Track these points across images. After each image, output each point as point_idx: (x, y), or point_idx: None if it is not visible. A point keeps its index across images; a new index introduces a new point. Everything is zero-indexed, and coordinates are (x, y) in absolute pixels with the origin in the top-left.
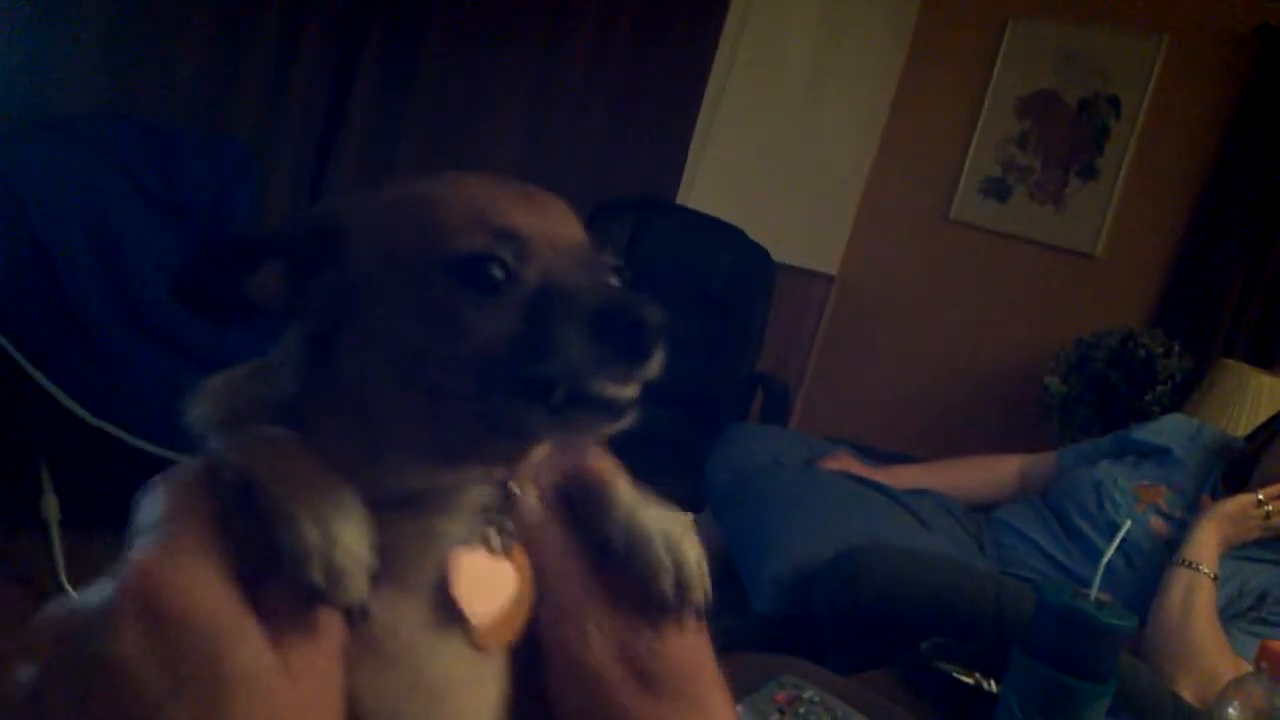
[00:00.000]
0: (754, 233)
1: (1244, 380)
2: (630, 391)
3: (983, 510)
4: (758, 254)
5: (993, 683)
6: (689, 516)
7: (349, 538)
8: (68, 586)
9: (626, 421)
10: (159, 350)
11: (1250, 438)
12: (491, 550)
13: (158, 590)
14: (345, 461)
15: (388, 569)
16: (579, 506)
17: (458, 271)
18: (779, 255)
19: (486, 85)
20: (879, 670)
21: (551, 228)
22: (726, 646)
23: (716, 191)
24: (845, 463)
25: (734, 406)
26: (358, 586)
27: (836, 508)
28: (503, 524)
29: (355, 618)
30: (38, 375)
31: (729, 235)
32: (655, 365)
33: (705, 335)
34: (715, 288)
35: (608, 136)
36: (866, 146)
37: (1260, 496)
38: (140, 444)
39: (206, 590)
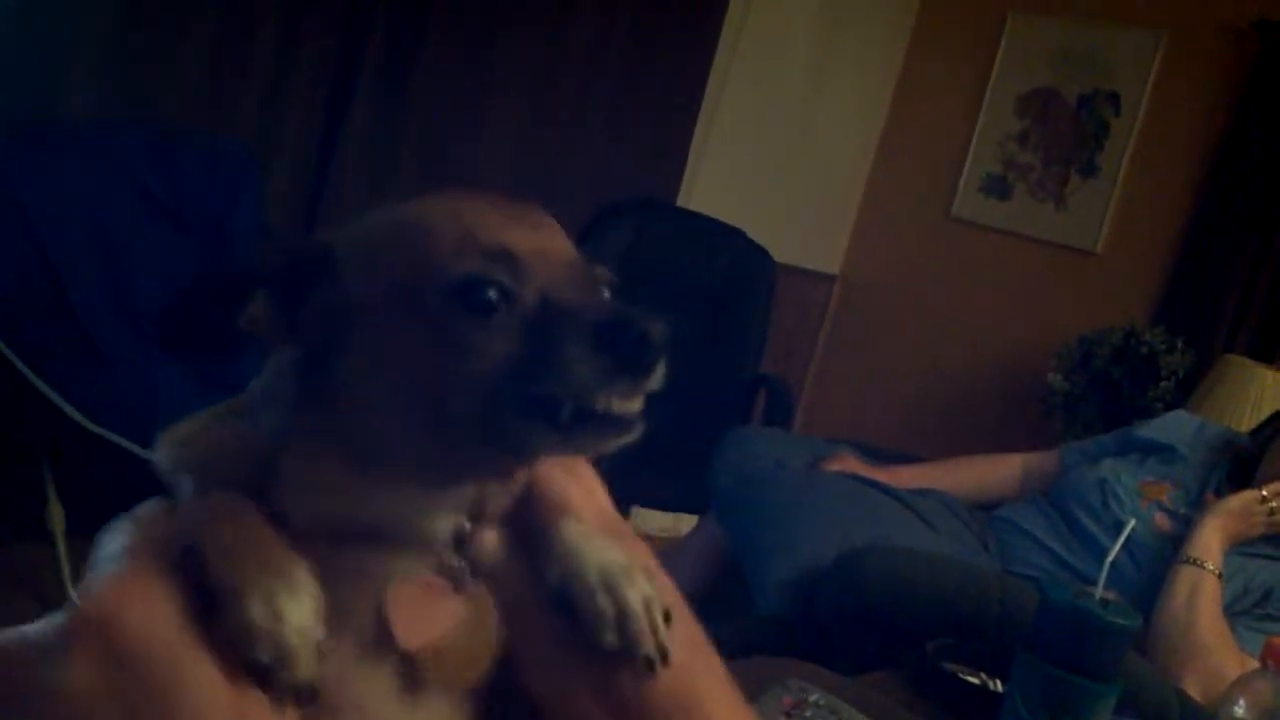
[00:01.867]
0: (755, 233)
1: (1247, 376)
2: (636, 405)
3: (986, 509)
4: (758, 255)
5: (998, 682)
6: (645, 548)
7: (299, 616)
8: (73, 595)
9: (633, 435)
10: (162, 357)
11: (1254, 434)
12: (439, 583)
13: (113, 621)
14: (327, 492)
15: (336, 608)
16: (530, 544)
17: (454, 294)
18: (780, 256)
19: (485, 87)
20: (884, 672)
21: (542, 244)
22: (731, 651)
23: (717, 193)
24: (848, 463)
25: (737, 409)
26: (306, 665)
27: (840, 509)
28: (452, 560)
29: (305, 696)
30: (39, 382)
31: (729, 237)
32: (658, 378)
33: (707, 338)
34: (716, 289)
35: (607, 138)
36: (867, 145)
37: (1265, 493)
38: (145, 453)
39: (163, 624)
